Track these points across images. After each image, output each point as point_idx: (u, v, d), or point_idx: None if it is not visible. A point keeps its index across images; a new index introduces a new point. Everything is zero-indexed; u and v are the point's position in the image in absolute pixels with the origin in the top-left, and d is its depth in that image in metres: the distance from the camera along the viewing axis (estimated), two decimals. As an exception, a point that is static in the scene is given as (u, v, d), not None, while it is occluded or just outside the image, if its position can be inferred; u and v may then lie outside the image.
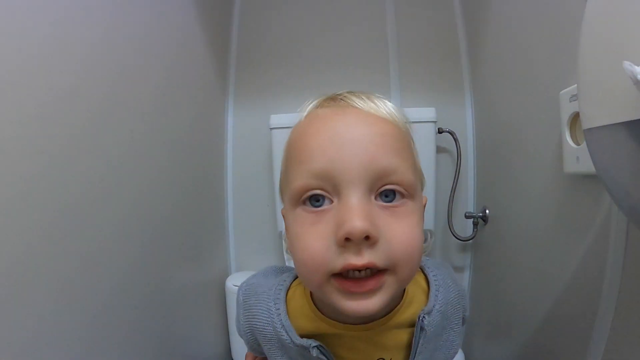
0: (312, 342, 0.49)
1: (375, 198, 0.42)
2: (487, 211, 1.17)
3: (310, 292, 0.53)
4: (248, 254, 1.44)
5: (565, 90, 0.67)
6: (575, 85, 0.61)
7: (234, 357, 1.33)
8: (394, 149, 0.44)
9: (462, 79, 1.33)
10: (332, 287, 0.42)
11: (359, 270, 0.41)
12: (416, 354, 0.51)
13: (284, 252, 1.18)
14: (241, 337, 0.58)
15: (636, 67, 0.33)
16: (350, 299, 0.42)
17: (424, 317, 0.50)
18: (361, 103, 0.47)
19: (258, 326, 0.53)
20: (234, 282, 1.27)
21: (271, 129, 1.22)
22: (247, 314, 0.55)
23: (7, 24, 0.56)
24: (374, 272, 0.41)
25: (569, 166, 0.67)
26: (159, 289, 0.97)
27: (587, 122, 0.45)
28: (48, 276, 0.64)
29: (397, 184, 0.43)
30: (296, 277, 0.57)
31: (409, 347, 0.53)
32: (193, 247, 1.17)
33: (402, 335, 0.53)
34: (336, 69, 1.37)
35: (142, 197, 0.90)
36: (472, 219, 1.24)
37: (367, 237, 0.39)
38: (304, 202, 0.44)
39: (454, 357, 0.58)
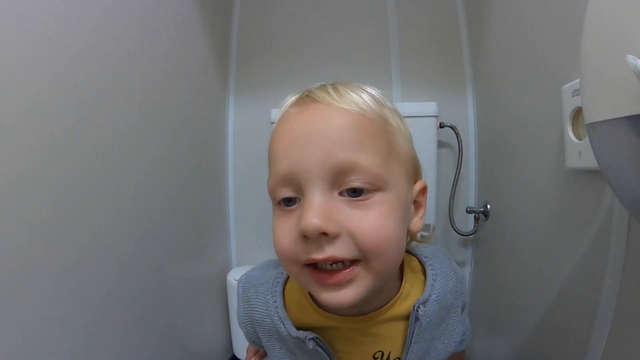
0: (308, 335, 0.50)
1: (341, 193, 0.42)
2: (489, 206, 1.17)
3: None
4: (249, 248, 1.45)
5: (568, 85, 0.67)
6: (578, 80, 0.60)
7: (235, 351, 1.34)
8: (354, 141, 0.43)
9: (464, 74, 1.33)
10: (307, 277, 0.44)
11: (331, 264, 0.42)
12: (411, 344, 0.51)
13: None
14: (241, 329, 0.59)
15: (639, 60, 0.32)
16: (325, 290, 0.43)
17: (418, 307, 0.50)
18: (324, 96, 0.46)
19: (257, 318, 0.54)
20: (235, 276, 1.28)
21: (272, 123, 1.22)
22: (246, 306, 0.56)
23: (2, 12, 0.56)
24: (346, 264, 0.42)
25: (571, 161, 0.67)
26: (160, 284, 0.97)
27: (589, 117, 0.44)
28: (49, 271, 0.64)
29: (359, 180, 0.42)
30: None
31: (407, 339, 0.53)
32: (194, 242, 1.17)
33: (400, 327, 0.53)
34: (337, 63, 1.36)
35: (143, 192, 0.90)
36: (473, 214, 1.24)
37: (324, 234, 0.40)
38: (278, 204, 0.46)
39: (454, 346, 0.58)
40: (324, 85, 0.49)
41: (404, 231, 0.46)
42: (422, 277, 0.56)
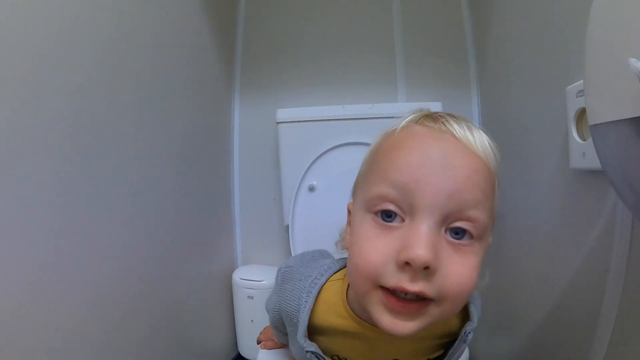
0: (308, 346, 0.52)
1: (445, 231, 0.42)
2: (493, 206, 1.17)
3: (347, 291, 0.54)
4: (254, 248, 1.45)
5: (572, 85, 0.67)
6: (582, 80, 0.61)
7: (240, 349, 1.35)
8: (480, 187, 0.43)
9: (469, 74, 1.33)
10: (376, 298, 0.43)
11: (406, 294, 0.42)
12: None
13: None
14: (267, 311, 0.63)
15: (642, 64, 0.33)
16: (390, 315, 0.43)
17: (469, 332, 0.52)
18: (460, 132, 0.46)
19: (287, 310, 0.56)
20: (241, 275, 1.28)
21: (277, 123, 1.22)
22: (280, 296, 0.58)
23: (13, 21, 0.57)
24: (419, 298, 0.42)
25: (575, 162, 0.67)
26: (166, 283, 0.98)
27: (593, 118, 0.45)
28: (55, 270, 0.65)
29: (470, 221, 0.42)
30: (335, 273, 0.58)
31: (425, 353, 0.55)
32: (200, 241, 1.18)
33: (426, 344, 0.55)
34: (342, 64, 1.37)
35: (150, 193, 0.91)
36: (477, 214, 1.24)
37: (426, 267, 0.40)
38: (375, 213, 0.44)
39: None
40: (455, 117, 0.48)
41: None
42: None
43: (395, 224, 0.43)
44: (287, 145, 1.23)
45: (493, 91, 1.18)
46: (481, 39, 1.26)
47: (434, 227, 0.41)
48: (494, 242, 1.16)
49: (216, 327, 1.28)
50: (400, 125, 0.49)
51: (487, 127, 1.25)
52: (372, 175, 0.47)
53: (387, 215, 0.43)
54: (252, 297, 1.25)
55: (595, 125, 0.44)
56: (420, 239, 0.40)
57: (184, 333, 1.07)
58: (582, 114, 0.65)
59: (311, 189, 1.17)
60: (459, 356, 0.59)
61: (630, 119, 0.37)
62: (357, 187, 0.51)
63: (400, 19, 1.35)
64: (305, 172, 1.17)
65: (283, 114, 1.22)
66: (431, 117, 0.49)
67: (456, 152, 0.44)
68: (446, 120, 0.47)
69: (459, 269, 0.42)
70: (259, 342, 0.85)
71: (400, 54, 1.35)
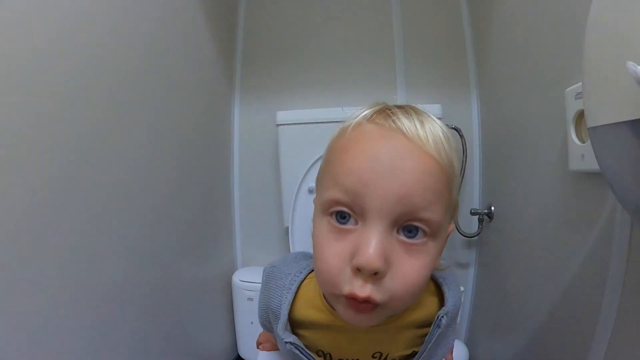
0: (286, 337, 0.53)
1: (398, 231, 0.43)
2: (493, 208, 1.18)
3: None
4: (254, 250, 1.46)
5: (571, 87, 0.67)
6: (581, 83, 0.61)
7: (239, 351, 1.35)
8: (430, 188, 0.43)
9: (468, 76, 1.33)
10: (340, 299, 0.45)
11: None
12: (425, 351, 0.54)
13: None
14: (258, 311, 0.64)
15: (639, 67, 0.33)
16: (350, 311, 0.45)
17: (443, 317, 0.53)
18: (410, 130, 0.45)
19: (272, 307, 0.58)
20: (241, 277, 1.28)
21: (277, 125, 1.23)
22: (265, 294, 0.60)
23: (12, 21, 0.57)
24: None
25: (574, 164, 0.67)
26: (166, 285, 0.98)
27: (591, 121, 0.45)
28: (55, 271, 0.65)
29: (422, 221, 0.43)
30: (312, 270, 0.60)
31: (410, 345, 0.56)
32: (200, 243, 1.18)
33: (406, 334, 0.56)
34: (342, 66, 1.37)
35: (150, 195, 0.91)
36: (477, 216, 1.24)
37: (375, 273, 0.41)
38: (330, 214, 0.45)
39: (448, 351, 0.61)
40: (406, 112, 0.48)
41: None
42: (430, 286, 0.58)
43: (349, 226, 0.44)
44: (287, 147, 1.23)
45: (493, 93, 1.19)
46: (481, 41, 1.26)
47: (384, 231, 0.42)
48: (494, 242, 1.16)
49: (216, 329, 1.28)
50: (352, 124, 0.49)
51: (487, 128, 1.26)
52: (326, 177, 0.48)
53: (342, 217, 0.44)
54: (251, 299, 1.25)
55: (594, 127, 0.44)
56: (369, 245, 0.41)
57: (184, 335, 1.07)
58: (581, 116, 0.65)
59: (311, 191, 1.17)
60: (446, 346, 0.59)
61: (629, 121, 0.37)
62: (317, 186, 0.52)
63: (400, 20, 1.35)
64: (305, 174, 1.17)
65: (283, 116, 1.23)
66: (383, 113, 0.48)
67: (405, 153, 0.44)
68: (397, 117, 0.46)
69: (408, 270, 0.43)
70: (258, 345, 0.85)
71: (400, 56, 1.35)
